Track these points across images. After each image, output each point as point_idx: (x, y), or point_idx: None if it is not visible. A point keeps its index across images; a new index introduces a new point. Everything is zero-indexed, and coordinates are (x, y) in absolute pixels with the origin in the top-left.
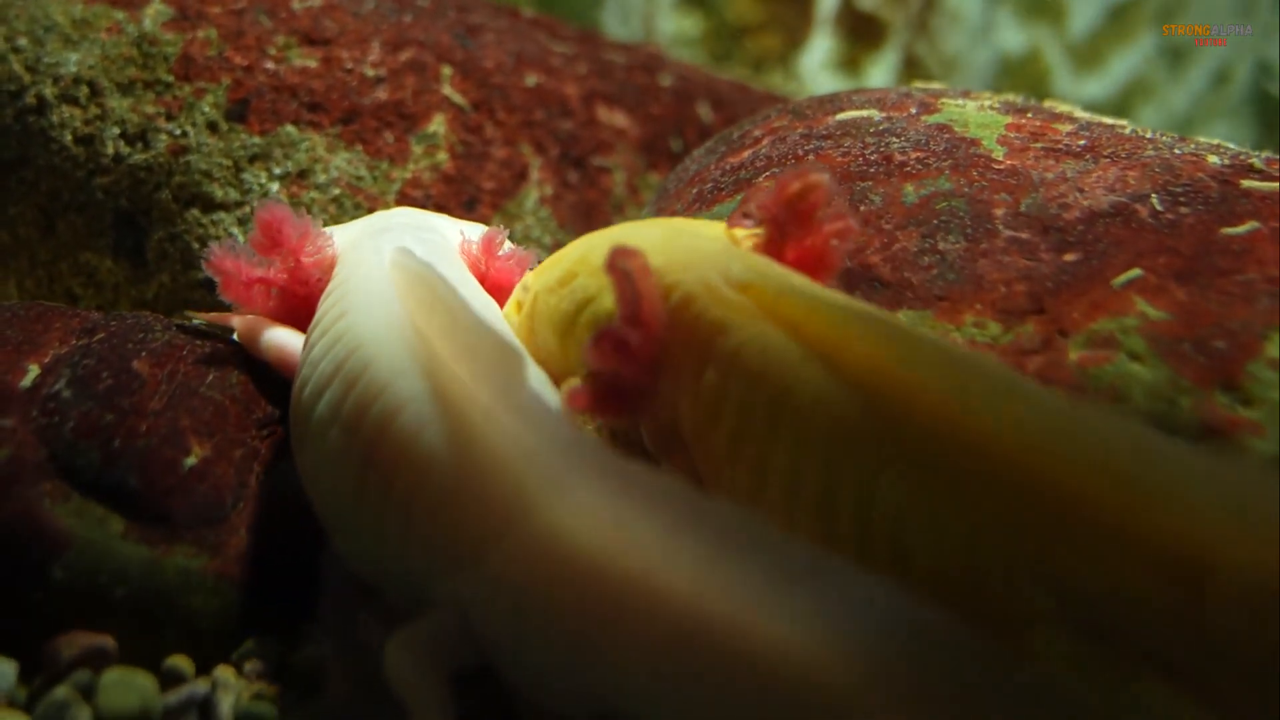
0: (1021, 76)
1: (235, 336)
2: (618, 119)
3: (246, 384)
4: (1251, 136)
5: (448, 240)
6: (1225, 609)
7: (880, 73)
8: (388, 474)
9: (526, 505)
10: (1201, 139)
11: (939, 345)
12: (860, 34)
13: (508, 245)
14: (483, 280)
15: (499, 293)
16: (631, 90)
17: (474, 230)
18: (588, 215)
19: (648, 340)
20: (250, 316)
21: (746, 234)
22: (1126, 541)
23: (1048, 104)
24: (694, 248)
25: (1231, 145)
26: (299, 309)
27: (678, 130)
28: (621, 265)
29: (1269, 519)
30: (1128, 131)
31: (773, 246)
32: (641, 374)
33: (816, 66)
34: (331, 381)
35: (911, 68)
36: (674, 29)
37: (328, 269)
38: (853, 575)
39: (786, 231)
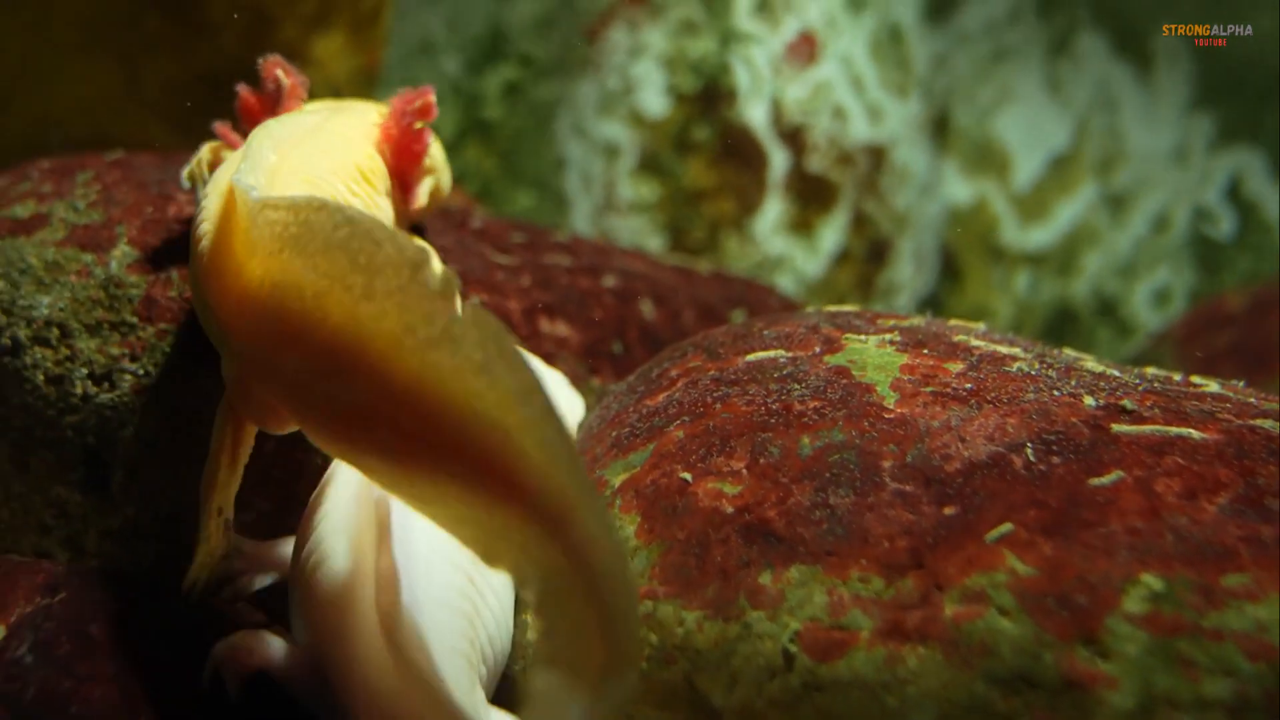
0: (970, 227)
1: None
2: (559, 329)
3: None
4: (1192, 280)
5: None
6: None
7: (831, 233)
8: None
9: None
10: (1090, 363)
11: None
12: (810, 196)
13: None
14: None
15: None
16: (574, 297)
17: None
18: None
19: None
20: None
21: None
22: None
23: (953, 323)
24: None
25: (1116, 371)
26: None
27: (619, 333)
28: None
29: None
30: (1014, 369)
31: (383, 147)
32: None
33: (769, 230)
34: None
35: (861, 225)
36: (633, 195)
37: None
38: None
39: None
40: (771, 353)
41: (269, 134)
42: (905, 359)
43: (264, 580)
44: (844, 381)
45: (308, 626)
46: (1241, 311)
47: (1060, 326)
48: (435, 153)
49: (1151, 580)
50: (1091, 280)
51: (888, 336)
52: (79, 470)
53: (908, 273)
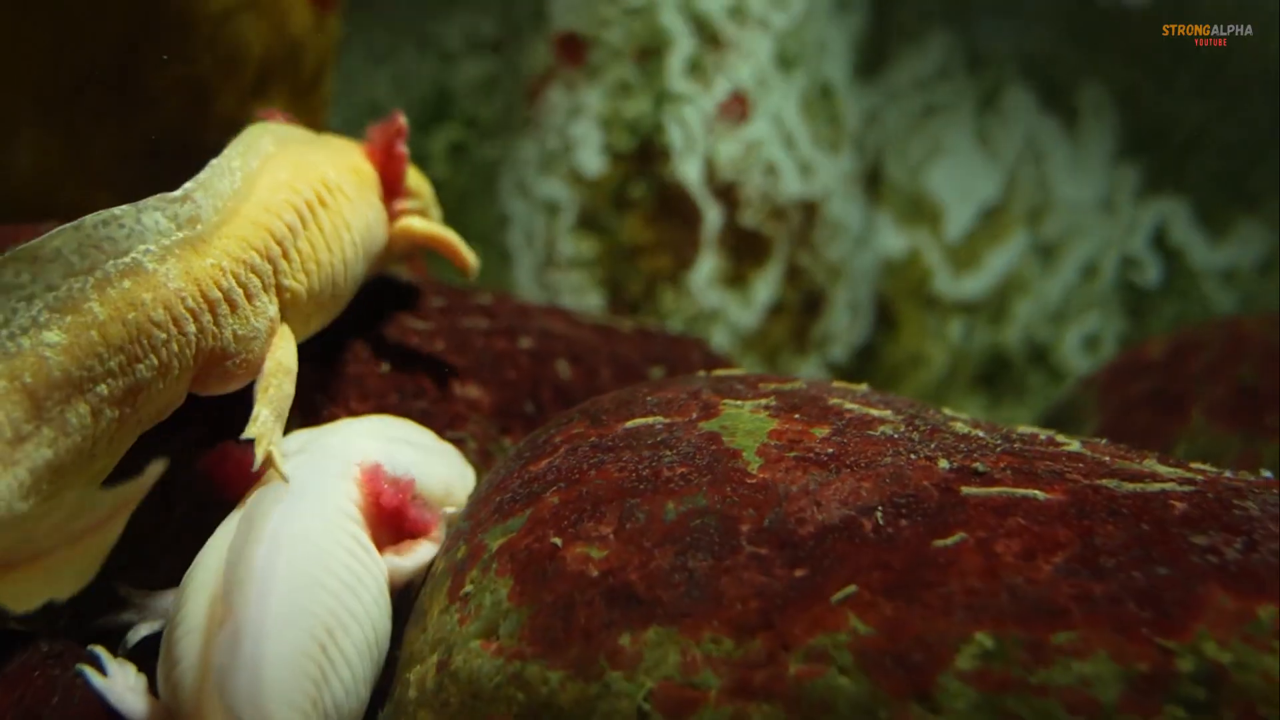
0: (904, 278)
1: None
2: (471, 391)
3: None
4: (1121, 326)
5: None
6: None
7: (765, 286)
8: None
9: None
10: (959, 425)
11: None
12: (744, 250)
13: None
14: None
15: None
16: (488, 360)
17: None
18: None
19: None
20: None
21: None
22: None
23: (835, 385)
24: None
25: (981, 432)
26: None
27: (532, 394)
28: None
29: None
30: (879, 433)
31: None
32: None
33: (704, 283)
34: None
35: (795, 277)
36: (573, 251)
37: None
38: None
39: (384, 165)
40: (650, 419)
41: (268, 130)
42: (775, 424)
43: (151, 629)
44: (713, 448)
45: (164, 686)
46: (1161, 358)
47: (994, 373)
48: (425, 188)
49: (984, 639)
50: (1023, 327)
51: (763, 402)
52: None
53: (843, 323)
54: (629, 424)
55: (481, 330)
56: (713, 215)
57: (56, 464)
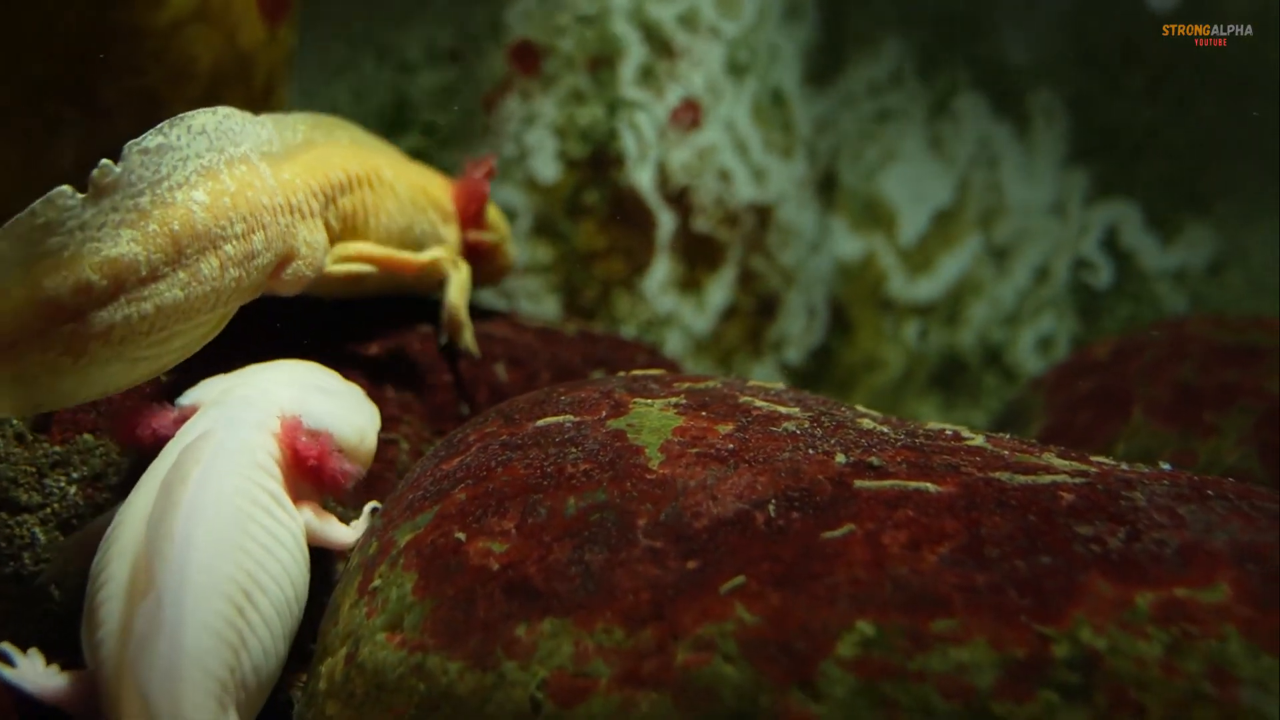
0: (859, 282)
1: None
2: (406, 394)
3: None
4: (1074, 327)
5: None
6: None
7: (719, 290)
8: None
9: None
10: (866, 422)
11: None
12: (698, 255)
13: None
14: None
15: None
16: (424, 363)
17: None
18: (369, 487)
19: None
20: None
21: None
22: None
23: (751, 384)
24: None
25: (887, 429)
26: None
27: (468, 396)
28: None
29: None
30: (782, 429)
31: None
32: None
33: (658, 288)
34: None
35: (749, 281)
36: (529, 257)
37: None
38: None
39: (464, 196)
40: (560, 418)
41: (348, 128)
42: (681, 422)
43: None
44: (617, 445)
45: (87, 649)
46: (1106, 359)
47: (949, 375)
48: (503, 225)
49: (865, 627)
50: (978, 329)
51: (673, 400)
52: None
53: (798, 326)
54: (539, 423)
55: (420, 334)
56: (666, 221)
57: (185, 307)
